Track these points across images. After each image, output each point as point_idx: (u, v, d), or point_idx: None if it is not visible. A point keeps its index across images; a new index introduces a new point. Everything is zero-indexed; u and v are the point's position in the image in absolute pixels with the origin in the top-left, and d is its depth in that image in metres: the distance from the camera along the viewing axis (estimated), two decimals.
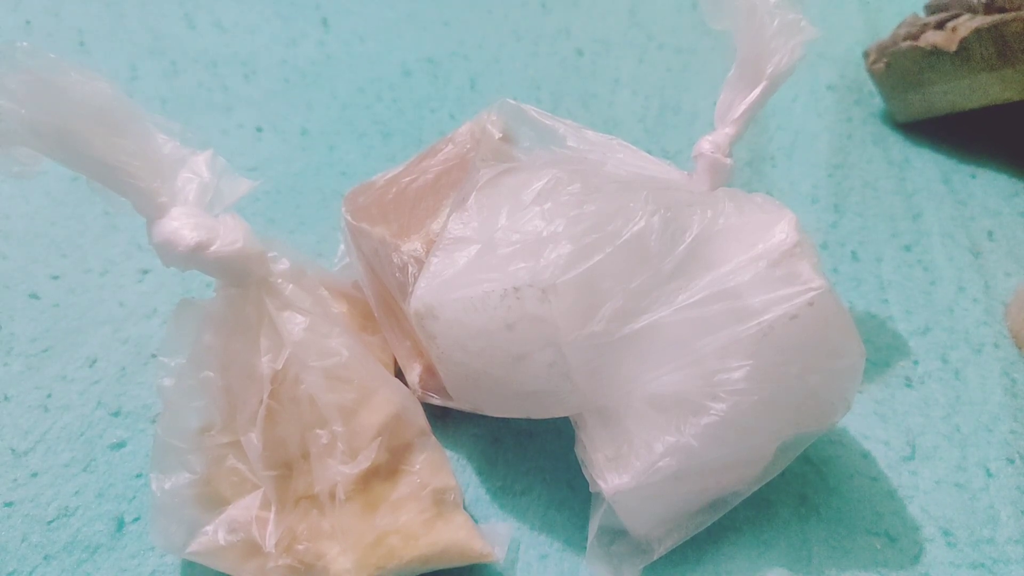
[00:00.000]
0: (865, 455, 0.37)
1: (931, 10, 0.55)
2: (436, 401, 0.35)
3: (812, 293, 0.29)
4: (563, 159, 0.33)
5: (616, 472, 0.30)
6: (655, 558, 0.32)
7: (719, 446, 0.29)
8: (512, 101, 0.34)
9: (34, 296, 0.41)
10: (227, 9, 0.60)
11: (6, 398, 0.37)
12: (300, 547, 0.29)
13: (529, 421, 0.32)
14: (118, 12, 0.59)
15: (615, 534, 0.32)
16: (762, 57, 0.32)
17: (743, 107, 0.33)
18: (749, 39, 0.32)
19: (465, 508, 0.32)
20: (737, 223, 0.30)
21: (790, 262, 0.29)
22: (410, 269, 0.32)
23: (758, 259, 0.29)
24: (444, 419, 0.37)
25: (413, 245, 0.33)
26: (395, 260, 0.33)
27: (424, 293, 0.30)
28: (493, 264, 0.29)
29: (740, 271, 0.29)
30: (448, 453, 0.36)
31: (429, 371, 0.35)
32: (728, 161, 0.33)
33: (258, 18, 0.60)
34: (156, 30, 0.58)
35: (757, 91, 0.33)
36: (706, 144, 0.33)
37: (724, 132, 0.33)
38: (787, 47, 0.32)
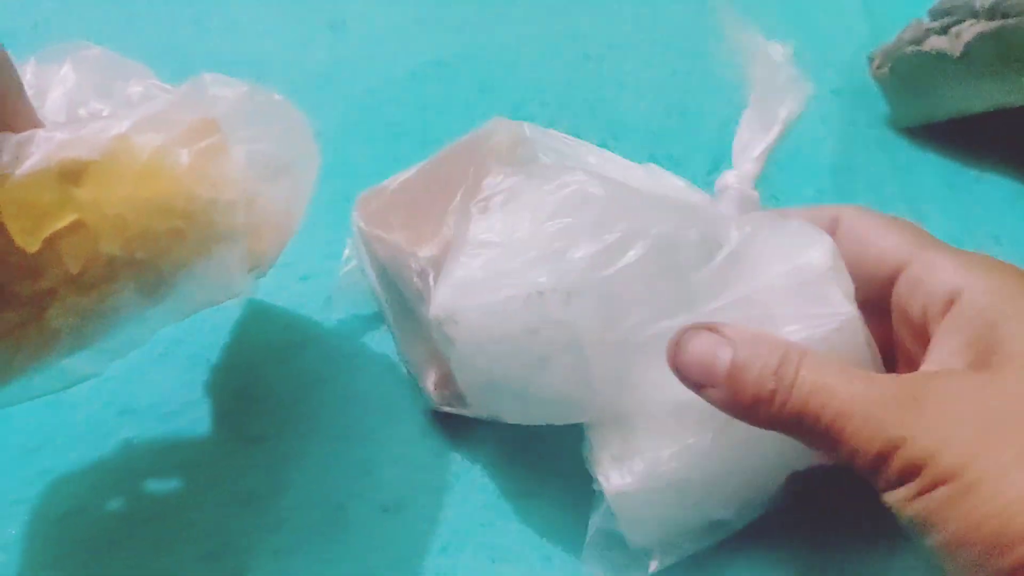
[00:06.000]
0: None
1: (935, 15, 0.55)
2: (450, 410, 0.35)
3: (841, 319, 0.29)
4: (586, 164, 0.33)
5: (620, 472, 0.30)
6: (650, 572, 0.32)
7: (728, 460, 0.29)
8: (532, 125, 0.34)
9: None
10: (237, 12, 0.61)
11: None
12: None
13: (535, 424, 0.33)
14: (128, 14, 0.60)
15: (611, 537, 0.32)
16: (774, 102, 0.34)
17: (762, 146, 0.34)
18: (760, 85, 0.34)
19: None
20: (773, 243, 0.30)
21: (821, 285, 0.29)
22: (429, 275, 0.32)
23: (789, 278, 0.29)
24: (448, 422, 0.37)
25: (430, 251, 0.33)
26: (413, 266, 0.33)
27: (444, 299, 0.30)
28: (516, 268, 0.29)
29: (770, 289, 0.29)
30: (452, 455, 0.36)
31: (444, 379, 0.35)
32: (755, 193, 0.34)
33: (268, 21, 0.60)
34: (166, 32, 0.59)
35: (773, 133, 0.34)
36: (731, 178, 0.34)
37: (747, 168, 0.34)
38: (794, 97, 0.33)
